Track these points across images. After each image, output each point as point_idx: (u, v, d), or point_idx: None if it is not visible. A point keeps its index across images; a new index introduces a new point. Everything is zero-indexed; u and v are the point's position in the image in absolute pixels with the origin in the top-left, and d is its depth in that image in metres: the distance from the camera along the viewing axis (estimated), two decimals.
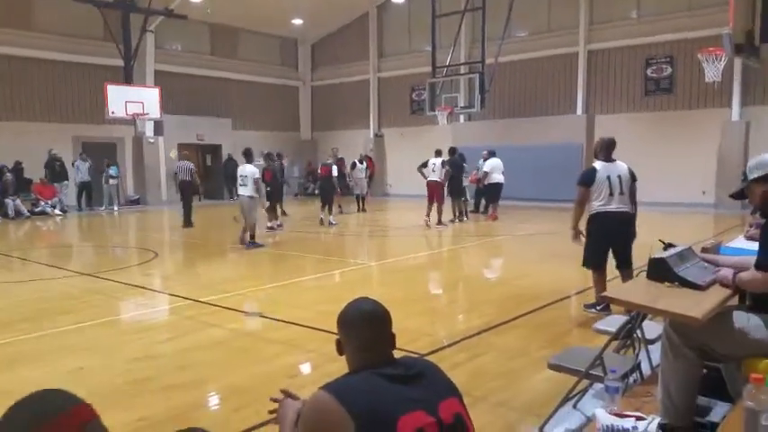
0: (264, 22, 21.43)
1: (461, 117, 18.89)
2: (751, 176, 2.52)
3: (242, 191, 9.73)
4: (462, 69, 17.45)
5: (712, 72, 12.53)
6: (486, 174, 13.79)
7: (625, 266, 5.24)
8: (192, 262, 9.36)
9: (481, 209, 14.89)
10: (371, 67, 22.20)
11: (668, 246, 2.85)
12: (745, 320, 2.37)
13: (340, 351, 1.65)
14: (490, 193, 14.09)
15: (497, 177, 13.80)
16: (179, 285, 7.26)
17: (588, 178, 5.19)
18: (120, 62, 17.27)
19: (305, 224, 13.67)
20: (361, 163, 16.61)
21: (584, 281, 6.97)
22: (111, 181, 17.24)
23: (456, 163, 13.45)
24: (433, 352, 4.33)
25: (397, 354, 1.63)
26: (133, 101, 16.19)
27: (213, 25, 21.07)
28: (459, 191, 13.57)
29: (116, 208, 17.26)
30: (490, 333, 4.93)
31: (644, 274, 2.73)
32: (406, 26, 21.21)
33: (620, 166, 5.26)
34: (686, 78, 15.62)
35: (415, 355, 3.07)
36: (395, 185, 21.66)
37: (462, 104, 16.65)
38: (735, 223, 11.15)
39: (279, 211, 14.77)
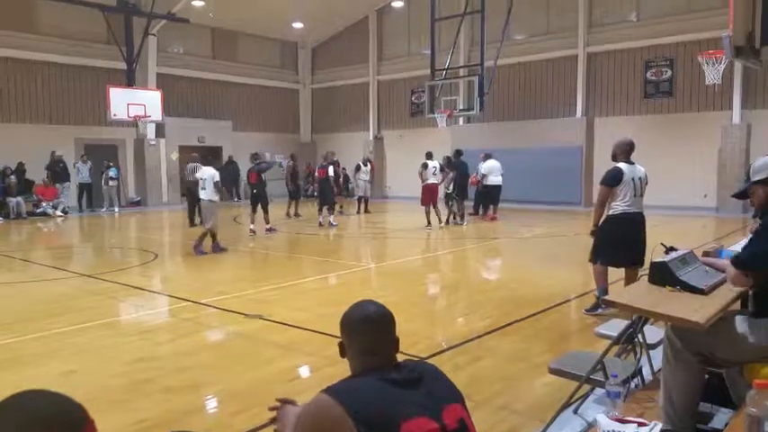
0: (265, 26, 21.48)
1: (461, 119, 18.88)
2: (754, 178, 2.50)
3: (202, 194, 9.44)
4: (462, 72, 17.44)
5: (713, 75, 12.53)
6: (483, 176, 13.90)
7: (638, 265, 5.21)
8: (191, 263, 9.34)
9: (481, 212, 14.89)
10: (371, 70, 22.22)
11: (670, 250, 2.84)
12: (746, 326, 2.35)
13: (342, 353, 1.64)
14: (488, 195, 14.23)
15: (495, 179, 13.97)
16: (178, 287, 7.25)
17: (615, 179, 5.17)
18: (122, 65, 17.29)
19: (304, 226, 13.66)
20: (365, 165, 16.62)
21: (584, 284, 6.96)
22: (110, 182, 17.25)
23: (462, 165, 13.68)
24: (432, 355, 4.32)
25: (398, 357, 1.62)
26: (135, 103, 16.20)
27: (215, 29, 21.11)
28: (464, 193, 13.67)
29: (117, 209, 17.26)
30: (490, 337, 4.91)
31: (645, 277, 2.72)
32: (405, 29, 21.23)
33: (640, 169, 5.32)
34: (686, 81, 15.62)
35: (416, 359, 3.05)
36: (394, 187, 21.66)
37: (462, 107, 16.62)
38: (736, 227, 11.14)
39: (293, 211, 15.02)
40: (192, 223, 13.09)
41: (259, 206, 11.65)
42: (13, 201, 15.28)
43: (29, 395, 0.97)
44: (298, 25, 21.85)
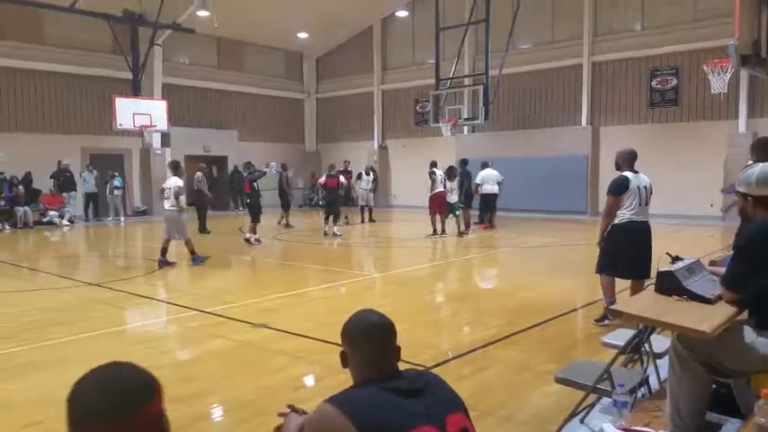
0: (270, 36, 21.64)
1: (465, 129, 18.91)
2: (737, 187, 2.56)
3: (166, 204, 9.16)
4: (466, 81, 17.51)
5: (718, 83, 12.53)
6: (477, 186, 13.88)
7: (645, 276, 5.19)
8: (197, 272, 9.36)
9: (486, 220, 14.89)
10: (376, 80, 22.32)
11: (676, 259, 2.84)
12: (753, 336, 2.35)
13: (344, 363, 1.63)
14: (484, 204, 14.24)
15: (490, 188, 13.94)
16: (184, 295, 7.26)
17: (621, 187, 5.17)
18: (128, 75, 17.44)
19: (309, 235, 13.68)
20: (368, 174, 16.65)
21: (589, 294, 6.93)
22: (115, 191, 17.35)
23: (468, 174, 13.70)
24: (437, 365, 4.30)
25: (401, 366, 1.62)
26: (141, 113, 16.31)
27: (220, 39, 21.28)
28: (470, 202, 13.70)
29: (122, 219, 17.34)
30: (495, 346, 4.89)
31: (652, 287, 2.71)
32: (410, 39, 21.34)
33: (644, 178, 5.32)
34: (692, 90, 15.61)
35: (420, 368, 3.04)
36: (399, 197, 21.67)
37: (466, 116, 16.69)
38: None
39: (285, 222, 14.90)
40: (202, 230, 13.48)
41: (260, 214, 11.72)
42: (20, 210, 15.37)
43: (112, 364, 1.13)
44: (303, 35, 22.00)
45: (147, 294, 7.22)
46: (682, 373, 2.41)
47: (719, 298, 2.49)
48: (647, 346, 3.09)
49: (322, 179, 13.54)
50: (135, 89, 17.34)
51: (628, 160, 5.32)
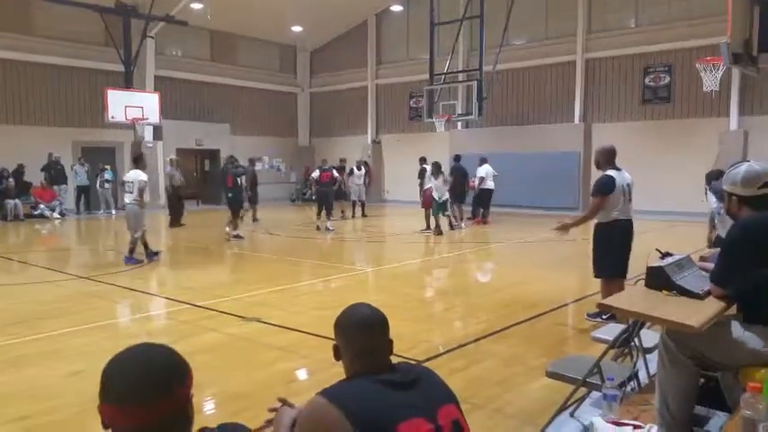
0: (264, 29, 21.51)
1: (459, 124, 18.94)
2: (723, 185, 2.59)
3: (127, 198, 8.85)
4: (460, 77, 17.52)
5: (710, 81, 12.59)
6: (482, 179, 13.94)
7: (625, 275, 5.21)
8: (189, 265, 9.34)
9: (479, 215, 14.94)
10: (370, 74, 22.27)
11: (665, 255, 2.86)
12: (741, 330, 2.38)
13: (337, 357, 1.64)
14: (482, 199, 14.30)
15: (490, 183, 14.09)
16: (175, 289, 7.25)
17: (608, 188, 5.11)
18: (120, 67, 17.30)
19: (302, 229, 13.66)
20: (359, 169, 16.62)
21: (581, 289, 6.98)
22: (106, 185, 17.25)
23: (461, 169, 13.74)
24: (429, 359, 4.32)
25: (393, 360, 1.63)
26: (133, 106, 16.19)
27: (213, 32, 21.14)
28: (462, 197, 13.70)
29: (114, 212, 17.24)
30: (487, 340, 4.92)
31: (642, 282, 2.73)
32: (404, 34, 21.30)
33: (627, 176, 5.28)
34: (684, 87, 15.69)
35: (412, 362, 3.06)
36: (392, 191, 21.68)
37: (460, 112, 16.71)
38: None
39: (253, 216, 14.67)
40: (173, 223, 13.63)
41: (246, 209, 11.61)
42: (10, 203, 15.26)
43: (147, 345, 1.19)
44: (297, 29, 21.89)
45: (138, 288, 7.19)
46: (671, 368, 2.43)
47: (708, 293, 2.51)
48: (636, 340, 3.12)
49: (315, 173, 13.47)
50: (127, 82, 17.20)
51: (608, 158, 5.24)
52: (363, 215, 16.24)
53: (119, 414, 1.09)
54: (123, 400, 1.09)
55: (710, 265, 2.85)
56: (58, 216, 16.05)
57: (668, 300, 2.51)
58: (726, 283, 2.45)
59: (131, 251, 8.77)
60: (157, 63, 19.12)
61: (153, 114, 16.70)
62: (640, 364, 3.31)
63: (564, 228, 5.33)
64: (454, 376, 3.82)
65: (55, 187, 16.48)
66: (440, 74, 16.32)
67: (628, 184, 5.23)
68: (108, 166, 17.44)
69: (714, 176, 4.94)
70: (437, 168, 12.32)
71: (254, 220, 14.66)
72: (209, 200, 20.47)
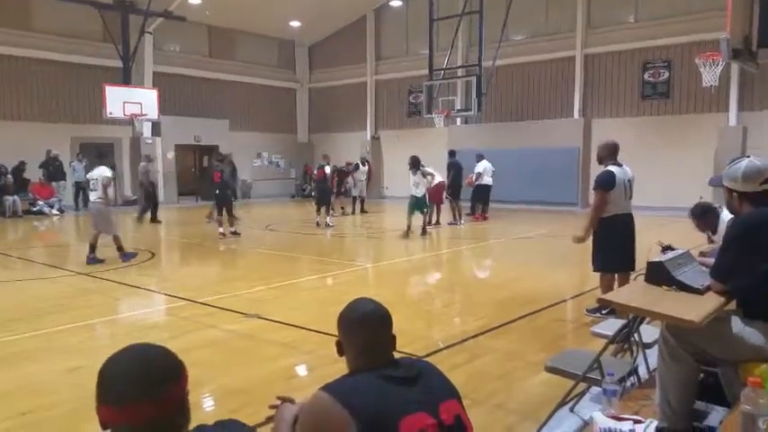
0: (263, 25, 21.45)
1: (458, 120, 18.91)
2: (723, 182, 2.58)
3: (92, 196, 8.45)
4: (459, 72, 17.48)
5: (710, 76, 12.58)
6: (479, 175, 13.93)
7: (632, 268, 5.21)
8: (189, 262, 9.34)
9: (478, 211, 14.95)
10: (369, 70, 22.22)
11: (666, 249, 2.86)
12: (741, 325, 2.38)
13: (340, 352, 1.64)
14: (480, 195, 14.29)
15: (488, 179, 14.08)
16: (176, 285, 7.24)
17: (609, 183, 5.12)
18: (118, 63, 17.25)
19: (301, 226, 13.66)
20: (363, 165, 16.62)
21: (580, 284, 6.99)
22: None
23: (457, 165, 13.74)
24: (429, 354, 4.33)
25: (394, 355, 1.63)
26: (131, 101, 16.16)
27: (211, 27, 21.08)
28: (458, 193, 13.72)
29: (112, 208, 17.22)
30: (487, 336, 4.93)
31: (642, 277, 2.74)
32: (403, 29, 21.24)
33: (628, 171, 5.30)
34: (683, 83, 15.67)
35: (414, 357, 3.06)
36: (391, 188, 21.66)
37: (459, 107, 16.68)
38: None
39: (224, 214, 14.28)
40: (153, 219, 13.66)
41: (226, 208, 11.12)
42: (9, 199, 15.24)
43: (142, 345, 1.21)
44: (295, 24, 21.83)
45: (137, 284, 7.18)
46: (671, 363, 2.44)
47: (708, 288, 2.52)
48: (636, 335, 3.12)
49: (315, 170, 13.52)
50: (125, 77, 17.16)
51: (611, 154, 5.26)
52: (363, 211, 16.25)
53: (117, 414, 1.11)
54: (121, 401, 1.10)
55: (710, 261, 2.86)
56: (57, 212, 16.04)
57: (668, 295, 2.52)
58: (726, 279, 2.45)
59: (92, 249, 8.32)
60: (156, 59, 19.07)
61: (151, 110, 16.67)
62: (640, 359, 3.32)
63: (580, 240, 5.38)
64: (454, 372, 3.82)
65: (53, 184, 16.46)
66: (439, 69, 16.30)
67: (629, 180, 5.25)
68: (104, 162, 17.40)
69: (698, 213, 4.89)
70: (414, 163, 11.42)
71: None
72: (208, 196, 20.43)
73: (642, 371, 3.32)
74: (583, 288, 6.67)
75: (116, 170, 17.49)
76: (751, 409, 1.70)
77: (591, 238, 5.38)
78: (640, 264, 3.14)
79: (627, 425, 2.13)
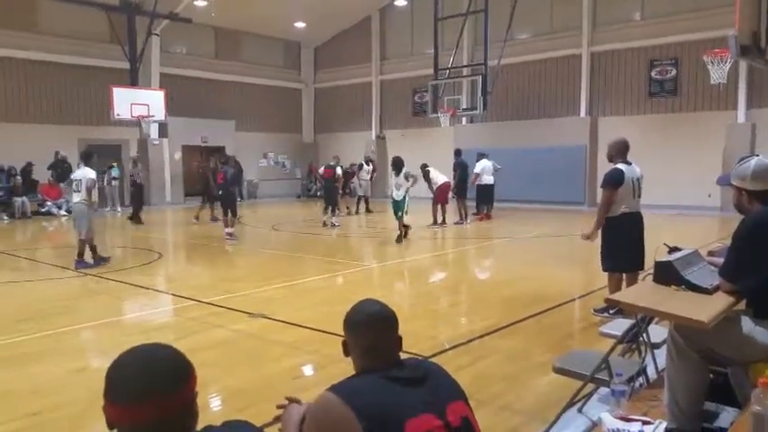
0: (268, 26, 21.51)
1: (464, 119, 18.87)
2: (732, 180, 2.55)
3: (75, 197, 8.28)
4: (465, 71, 17.44)
5: (718, 74, 12.49)
6: (477, 175, 13.88)
7: (641, 267, 5.17)
8: (195, 262, 9.37)
9: (482, 210, 14.92)
10: (374, 70, 22.22)
11: (673, 249, 2.84)
12: (751, 325, 2.36)
13: (346, 353, 1.64)
14: (482, 195, 14.25)
15: (487, 179, 14.00)
16: (182, 286, 7.26)
17: (617, 181, 5.09)
18: (125, 65, 17.34)
19: (307, 226, 13.68)
20: (368, 164, 16.63)
21: (587, 284, 6.96)
22: (113, 182, 17.33)
23: (463, 164, 13.73)
24: (434, 355, 4.32)
25: (400, 356, 1.62)
26: (138, 103, 16.23)
27: (217, 28, 21.15)
28: (464, 192, 13.71)
29: (119, 209, 17.31)
30: (493, 336, 4.91)
31: (650, 277, 2.71)
32: (408, 29, 21.23)
33: (637, 169, 5.26)
34: (691, 80, 15.57)
35: (419, 358, 3.05)
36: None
37: (465, 106, 16.65)
38: None
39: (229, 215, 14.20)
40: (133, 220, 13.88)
41: (229, 208, 11.01)
42: (18, 200, 15.36)
43: (151, 345, 1.20)
44: (300, 25, 21.87)
45: (144, 285, 7.21)
46: (679, 363, 2.41)
47: (717, 288, 2.49)
48: (644, 335, 3.10)
49: (321, 169, 13.52)
50: (132, 79, 17.25)
51: (621, 151, 5.22)
52: (368, 210, 16.26)
53: (124, 413, 1.10)
54: (129, 400, 1.10)
55: (719, 260, 2.83)
56: (65, 213, 16.13)
57: (677, 295, 2.49)
58: (735, 278, 2.43)
59: (80, 254, 8.22)
60: (162, 60, 19.15)
61: (158, 111, 16.74)
62: (649, 359, 3.29)
63: (589, 237, 5.34)
64: (460, 372, 3.80)
65: (62, 185, 16.56)
66: (444, 68, 16.27)
67: (637, 179, 5.22)
68: (115, 164, 17.52)
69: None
70: (397, 164, 11.18)
71: (214, 219, 13.94)
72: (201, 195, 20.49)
73: (651, 371, 3.29)
74: (590, 287, 6.63)
75: (123, 171, 17.74)
76: (762, 410, 1.67)
77: (600, 236, 5.35)
78: (648, 264, 3.11)
79: (635, 426, 2.11)
